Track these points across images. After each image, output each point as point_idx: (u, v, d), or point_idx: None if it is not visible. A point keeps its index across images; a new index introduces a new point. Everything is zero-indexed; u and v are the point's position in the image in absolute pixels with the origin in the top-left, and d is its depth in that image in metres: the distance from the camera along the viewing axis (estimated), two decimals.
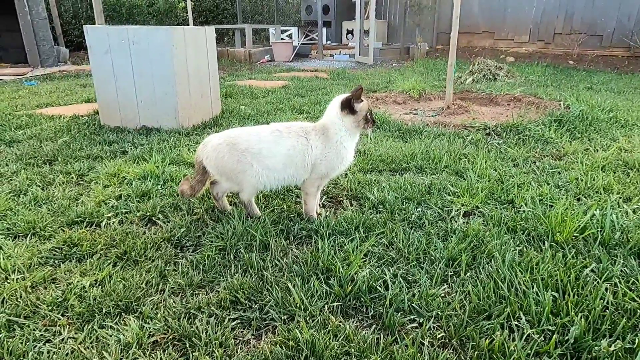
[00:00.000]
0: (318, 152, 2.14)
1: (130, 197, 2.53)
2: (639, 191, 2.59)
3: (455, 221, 2.26)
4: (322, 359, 1.37)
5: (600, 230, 2.08)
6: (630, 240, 1.99)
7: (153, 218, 2.31)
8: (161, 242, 2.06)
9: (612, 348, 1.37)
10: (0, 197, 2.49)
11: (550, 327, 1.46)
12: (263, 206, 2.44)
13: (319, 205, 2.45)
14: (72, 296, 1.65)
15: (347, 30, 13.60)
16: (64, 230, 2.16)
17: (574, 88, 6.36)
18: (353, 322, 1.55)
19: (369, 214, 2.32)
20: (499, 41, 11.25)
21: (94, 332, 1.49)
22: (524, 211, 2.33)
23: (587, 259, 1.86)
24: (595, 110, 4.37)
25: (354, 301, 1.64)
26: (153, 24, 12.83)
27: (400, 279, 1.74)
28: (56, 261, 1.92)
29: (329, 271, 1.80)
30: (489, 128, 3.99)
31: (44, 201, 2.49)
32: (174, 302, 1.64)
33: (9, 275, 1.79)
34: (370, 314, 1.58)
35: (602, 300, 1.58)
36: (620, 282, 1.69)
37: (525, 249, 1.98)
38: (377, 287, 1.69)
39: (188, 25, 9.09)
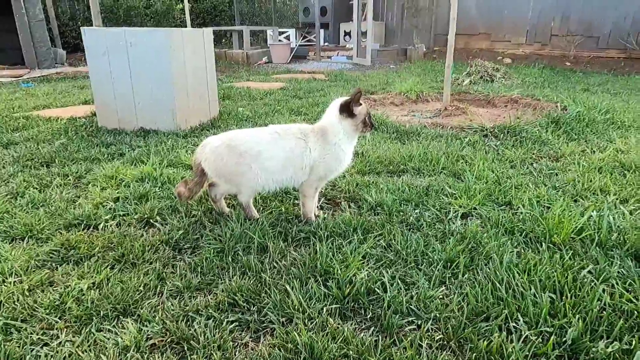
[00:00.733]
0: (316, 155, 2.14)
1: (127, 199, 2.52)
2: (635, 192, 2.60)
3: (453, 223, 2.27)
4: None
5: (597, 232, 2.08)
6: (627, 241, 2.00)
7: (151, 220, 2.30)
8: (159, 244, 2.06)
9: (609, 349, 1.38)
10: None
11: (548, 329, 1.47)
12: (261, 208, 2.44)
13: (317, 207, 2.45)
14: (69, 299, 1.64)
15: (345, 31, 13.62)
16: (61, 233, 2.15)
17: (570, 90, 6.39)
18: (351, 324, 1.55)
19: (367, 216, 2.33)
20: (496, 43, 11.28)
21: (92, 335, 1.48)
22: (522, 213, 2.33)
23: (584, 260, 1.87)
24: (592, 112, 4.39)
25: (353, 303, 1.64)
26: (150, 25, 12.82)
27: (399, 280, 1.74)
28: (54, 264, 1.91)
29: (327, 273, 1.80)
30: (487, 130, 4.00)
31: (41, 204, 2.49)
32: (172, 304, 1.64)
33: (6, 278, 1.79)
34: (368, 316, 1.59)
35: (599, 302, 1.58)
36: (617, 284, 1.70)
37: (522, 251, 1.98)
38: (376, 289, 1.70)
39: (186, 27, 9.08)
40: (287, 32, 14.05)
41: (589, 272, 1.78)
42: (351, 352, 1.40)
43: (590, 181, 2.77)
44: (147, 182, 2.76)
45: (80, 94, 6.20)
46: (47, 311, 1.59)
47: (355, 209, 2.45)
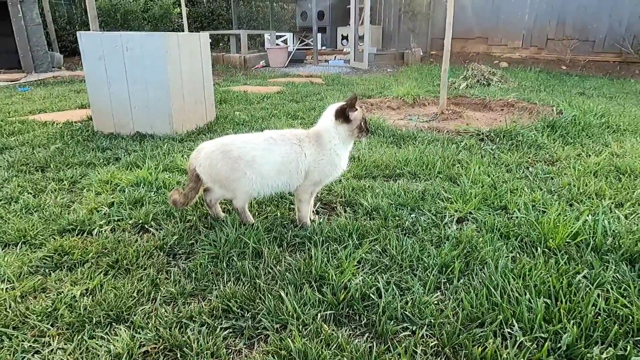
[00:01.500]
0: (311, 160, 2.14)
1: (122, 204, 2.51)
2: (630, 196, 2.60)
3: (449, 227, 2.26)
4: None
5: (593, 236, 2.09)
6: (622, 245, 2.00)
7: (145, 226, 2.29)
8: (153, 250, 2.05)
9: (604, 355, 1.37)
10: None
11: (542, 335, 1.46)
12: (257, 213, 2.43)
13: (313, 212, 2.44)
14: (62, 306, 1.63)
15: (342, 35, 13.66)
16: (55, 239, 2.14)
17: (566, 93, 6.41)
18: (346, 330, 1.54)
19: (362, 221, 2.32)
20: (493, 46, 11.33)
21: (84, 342, 1.47)
22: (517, 217, 2.33)
23: (579, 265, 1.87)
24: (588, 116, 4.40)
25: (347, 309, 1.64)
26: (148, 29, 12.82)
27: (394, 286, 1.74)
28: (47, 270, 1.90)
29: (322, 279, 1.79)
30: (483, 133, 4.01)
31: (35, 209, 2.47)
32: (165, 311, 1.63)
33: None
34: (363, 322, 1.58)
35: (594, 307, 1.58)
36: (612, 288, 1.70)
37: (518, 255, 1.98)
38: (370, 294, 1.69)
39: (183, 31, 9.09)
40: (284, 36, 14.09)
41: (584, 277, 1.78)
42: (345, 359, 1.39)
43: (586, 185, 2.77)
44: (143, 187, 2.74)
45: (76, 98, 6.18)
46: (39, 318, 1.57)
47: (351, 214, 2.44)
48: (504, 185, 2.79)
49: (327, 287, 1.72)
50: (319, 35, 13.59)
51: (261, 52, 12.21)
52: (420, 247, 2.04)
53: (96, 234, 2.21)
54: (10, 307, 1.63)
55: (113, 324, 1.57)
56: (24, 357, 1.41)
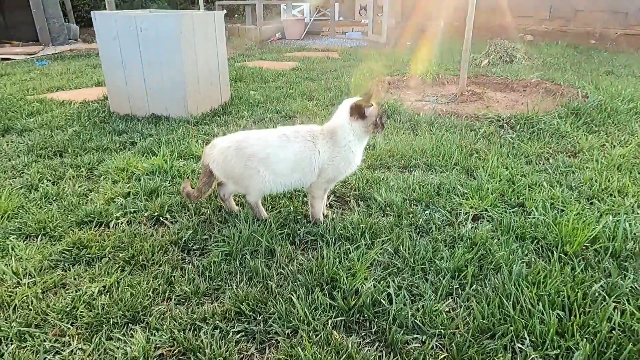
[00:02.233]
0: (325, 157, 2.11)
1: (138, 194, 2.54)
2: None
3: (464, 226, 2.23)
4: None
5: (612, 240, 2.03)
6: None
7: (161, 218, 2.32)
8: (168, 245, 2.08)
9: None
10: (13, 194, 2.53)
11: (554, 352, 1.45)
12: (270, 207, 2.44)
13: (326, 205, 2.43)
14: (81, 304, 1.68)
15: (360, 5, 13.23)
16: (73, 231, 2.19)
17: (593, 72, 6.14)
18: (356, 338, 1.55)
19: (375, 218, 2.30)
20: (518, 18, 10.83)
21: (102, 344, 1.51)
22: (534, 217, 2.28)
23: (596, 273, 1.83)
24: (615, 101, 4.22)
25: (358, 315, 1.64)
26: (164, 6, 12.58)
27: (405, 292, 1.74)
28: (66, 264, 1.95)
29: (334, 281, 1.80)
30: (503, 120, 3.89)
31: (54, 198, 2.52)
32: (179, 312, 1.66)
33: (21, 279, 1.83)
34: (373, 330, 1.59)
35: (609, 322, 1.56)
36: (629, 301, 1.66)
37: (533, 260, 1.95)
38: (381, 300, 1.69)
39: (199, 3, 8.92)
40: (301, 5, 13.71)
41: (601, 286, 1.74)
42: None
43: (608, 181, 2.69)
44: (158, 176, 2.77)
45: (93, 74, 6.21)
46: (60, 316, 1.63)
47: (364, 209, 2.43)
48: (522, 179, 2.72)
49: (338, 292, 1.73)
50: (337, 5, 13.18)
51: (277, 23, 11.93)
52: (434, 248, 2.03)
53: (113, 227, 2.25)
54: (32, 304, 1.69)
55: (130, 324, 1.61)
56: (46, 357, 1.47)
